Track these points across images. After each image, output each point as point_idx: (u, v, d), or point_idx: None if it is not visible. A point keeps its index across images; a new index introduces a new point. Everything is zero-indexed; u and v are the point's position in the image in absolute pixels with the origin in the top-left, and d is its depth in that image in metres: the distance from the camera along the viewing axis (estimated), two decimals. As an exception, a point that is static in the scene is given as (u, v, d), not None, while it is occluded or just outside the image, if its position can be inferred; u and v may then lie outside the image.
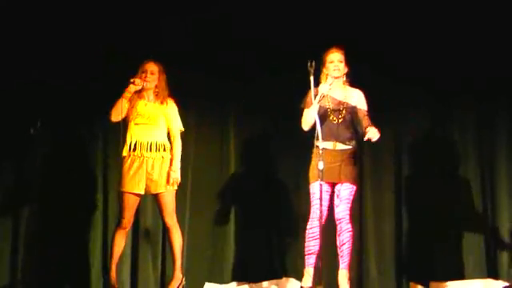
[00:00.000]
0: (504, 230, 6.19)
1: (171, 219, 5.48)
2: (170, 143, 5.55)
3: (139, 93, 5.49)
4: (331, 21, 6.21)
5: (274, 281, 6.28)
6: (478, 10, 6.12)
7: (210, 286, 6.23)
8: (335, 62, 5.35)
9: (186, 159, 5.94)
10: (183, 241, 5.66)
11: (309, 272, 5.26)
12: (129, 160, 5.43)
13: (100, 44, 6.19)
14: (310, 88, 5.08)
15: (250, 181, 6.40)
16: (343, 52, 5.39)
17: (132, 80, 5.41)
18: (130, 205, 5.42)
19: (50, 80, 6.11)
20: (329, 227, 5.31)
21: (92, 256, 6.14)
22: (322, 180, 4.98)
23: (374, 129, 5.23)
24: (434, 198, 6.21)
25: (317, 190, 5.14)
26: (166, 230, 5.61)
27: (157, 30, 6.25)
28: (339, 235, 5.27)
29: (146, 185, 5.43)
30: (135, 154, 5.41)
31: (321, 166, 4.96)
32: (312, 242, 5.25)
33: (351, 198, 5.31)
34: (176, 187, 5.53)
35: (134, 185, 5.40)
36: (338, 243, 5.28)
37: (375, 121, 6.22)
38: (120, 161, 5.50)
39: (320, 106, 5.24)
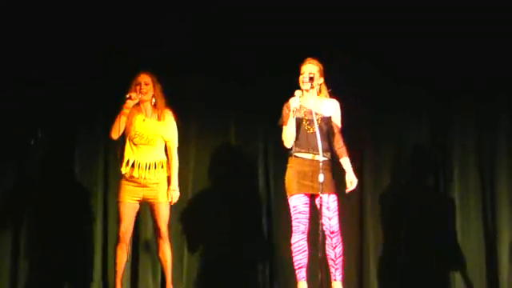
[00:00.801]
0: (505, 239, 6.17)
1: (165, 231, 5.47)
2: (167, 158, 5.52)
3: (137, 106, 5.46)
4: (331, 21, 6.20)
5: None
6: (479, 10, 6.11)
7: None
8: (305, 73, 5.29)
9: (186, 168, 6.01)
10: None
11: (302, 286, 5.25)
12: (125, 179, 5.42)
13: (100, 44, 6.19)
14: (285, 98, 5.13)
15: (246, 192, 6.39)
16: (318, 64, 5.35)
17: (128, 95, 5.37)
18: (128, 215, 5.39)
19: (49, 80, 6.13)
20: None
21: (92, 270, 6.15)
22: (322, 192, 4.96)
23: (352, 181, 5.27)
24: (433, 206, 6.21)
25: (297, 202, 5.22)
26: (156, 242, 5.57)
27: (156, 29, 6.24)
28: (334, 248, 5.24)
29: (143, 195, 5.43)
30: (133, 173, 5.40)
31: (321, 178, 4.93)
32: (300, 256, 5.23)
33: (337, 208, 5.28)
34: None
35: (131, 194, 5.40)
36: (331, 256, 5.24)
37: (376, 124, 6.30)
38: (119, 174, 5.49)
39: (296, 118, 5.24)
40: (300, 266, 5.24)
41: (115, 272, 5.43)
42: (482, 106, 6.27)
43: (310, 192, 5.25)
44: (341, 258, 5.25)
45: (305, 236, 5.23)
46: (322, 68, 5.37)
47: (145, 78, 5.46)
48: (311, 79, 5.25)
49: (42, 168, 6.21)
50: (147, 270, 6.21)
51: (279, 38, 6.16)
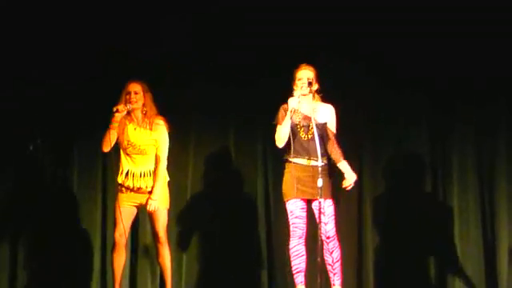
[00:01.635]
0: (504, 244, 6.15)
1: (163, 235, 5.47)
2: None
3: (128, 115, 5.44)
4: (330, 21, 6.20)
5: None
6: (481, 14, 6.10)
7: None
8: (303, 78, 5.29)
9: (184, 172, 6.08)
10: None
11: None
12: (122, 191, 5.43)
13: (100, 44, 6.20)
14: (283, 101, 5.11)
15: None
16: (313, 69, 5.35)
17: (115, 108, 5.34)
18: (124, 217, 5.38)
19: (49, 80, 6.13)
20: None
21: (91, 278, 6.16)
22: (321, 197, 4.96)
23: (351, 178, 5.27)
24: (431, 210, 6.20)
25: (294, 207, 5.24)
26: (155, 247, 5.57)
27: (156, 29, 6.24)
28: (331, 253, 5.24)
29: (141, 201, 5.43)
30: (128, 183, 5.40)
31: (320, 183, 4.93)
32: (297, 260, 5.24)
33: (334, 213, 5.29)
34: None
35: (128, 199, 5.41)
36: (329, 261, 5.24)
37: (375, 129, 6.28)
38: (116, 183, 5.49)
39: (292, 122, 5.24)
40: (298, 270, 5.25)
41: (113, 277, 5.43)
42: (482, 111, 6.23)
43: (307, 197, 5.26)
44: (338, 262, 5.26)
45: (302, 241, 5.25)
46: (316, 74, 5.36)
47: (135, 87, 5.42)
48: (310, 84, 5.25)
49: (41, 169, 6.20)
50: (146, 275, 6.21)
51: (279, 38, 6.15)
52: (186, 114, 6.26)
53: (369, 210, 6.25)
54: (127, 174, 5.40)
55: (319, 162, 5.01)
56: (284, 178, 5.33)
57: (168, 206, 5.50)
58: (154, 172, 5.43)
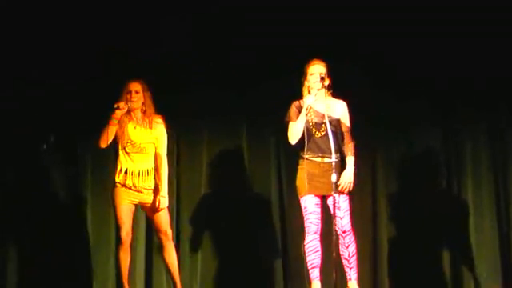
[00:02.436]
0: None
1: (166, 236, 5.48)
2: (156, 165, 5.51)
3: (127, 114, 5.46)
4: (333, 21, 6.22)
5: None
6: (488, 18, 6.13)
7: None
8: (316, 73, 5.29)
9: (198, 170, 6.16)
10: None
11: (316, 285, 5.28)
12: (120, 187, 5.43)
13: (100, 44, 6.19)
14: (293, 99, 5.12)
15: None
16: (325, 64, 5.36)
17: (116, 105, 5.36)
18: (125, 216, 5.39)
19: (49, 80, 6.12)
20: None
21: (105, 276, 6.16)
22: (335, 192, 5.01)
23: (346, 180, 5.28)
24: (446, 206, 6.25)
25: (308, 203, 5.25)
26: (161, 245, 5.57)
27: (156, 29, 6.24)
28: (347, 247, 5.27)
29: (140, 199, 5.44)
30: (127, 181, 5.41)
31: (334, 178, 4.99)
32: (312, 256, 5.26)
33: (349, 208, 5.32)
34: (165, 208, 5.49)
35: (127, 197, 5.41)
36: (345, 255, 5.28)
37: (388, 126, 6.30)
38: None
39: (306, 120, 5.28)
40: (313, 265, 5.26)
41: (121, 274, 5.43)
42: (493, 108, 6.29)
43: (321, 193, 5.28)
44: (354, 256, 5.28)
45: (317, 236, 5.25)
46: (328, 69, 5.36)
47: (135, 87, 5.47)
48: (322, 79, 5.25)
49: (41, 169, 6.21)
50: (161, 272, 6.17)
51: (279, 38, 6.16)
52: (199, 114, 6.29)
53: (383, 205, 6.30)
54: (126, 172, 5.41)
55: (333, 158, 5.04)
56: (298, 175, 5.34)
57: (168, 204, 5.52)
58: (156, 170, 5.45)
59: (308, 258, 5.28)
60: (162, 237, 5.49)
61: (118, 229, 5.51)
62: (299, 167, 5.34)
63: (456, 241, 6.25)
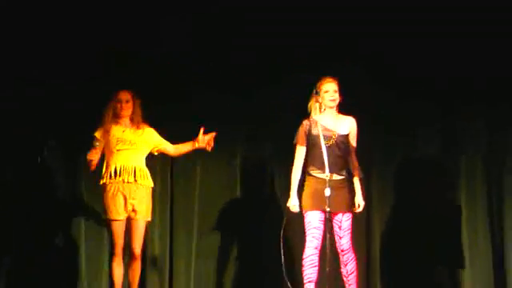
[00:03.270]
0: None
1: (139, 248, 5.50)
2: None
3: (116, 121, 5.53)
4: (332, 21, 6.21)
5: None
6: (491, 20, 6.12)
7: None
8: (331, 91, 5.38)
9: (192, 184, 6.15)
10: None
11: None
12: (111, 187, 5.43)
13: (100, 44, 6.19)
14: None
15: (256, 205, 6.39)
16: (337, 82, 5.42)
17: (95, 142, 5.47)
18: (118, 231, 5.41)
19: (49, 80, 6.13)
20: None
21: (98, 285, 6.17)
22: (329, 207, 5.07)
23: (360, 204, 5.38)
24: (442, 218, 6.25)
25: (312, 218, 5.27)
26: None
27: (156, 29, 6.24)
28: (346, 265, 5.33)
29: (127, 211, 5.44)
30: (117, 180, 5.41)
31: (327, 192, 5.06)
32: (310, 270, 5.27)
33: (351, 227, 5.38)
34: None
35: (117, 211, 5.41)
36: (344, 273, 5.35)
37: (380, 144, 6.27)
38: (100, 188, 5.49)
39: (312, 135, 5.32)
40: (309, 280, 5.29)
41: (114, 286, 5.46)
42: (492, 111, 6.28)
43: (325, 209, 5.27)
44: (353, 274, 5.35)
45: (317, 252, 5.30)
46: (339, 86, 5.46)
47: (125, 96, 5.55)
48: (335, 97, 5.38)
49: (41, 169, 6.20)
50: (155, 286, 6.21)
51: (280, 38, 6.16)
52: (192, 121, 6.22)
53: (377, 221, 6.30)
54: (120, 170, 5.41)
55: (334, 175, 5.13)
56: (304, 191, 5.38)
57: (149, 219, 5.56)
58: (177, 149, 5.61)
59: (305, 272, 5.30)
60: (136, 249, 5.48)
61: (111, 242, 5.51)
62: (305, 183, 5.38)
63: (449, 252, 6.23)
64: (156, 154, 5.69)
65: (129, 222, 5.46)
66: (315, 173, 5.32)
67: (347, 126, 5.42)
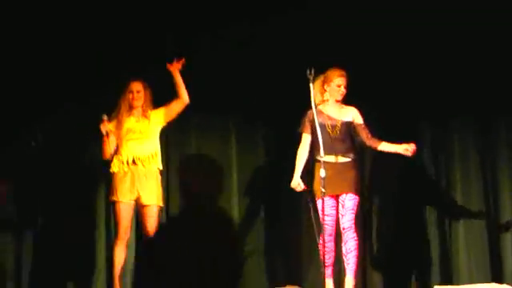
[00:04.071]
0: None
1: (151, 234, 5.58)
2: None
3: (129, 111, 5.67)
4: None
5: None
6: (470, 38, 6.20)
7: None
8: (342, 87, 5.56)
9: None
10: None
11: (328, 283, 5.42)
12: (119, 173, 5.57)
13: (100, 44, 6.20)
14: (309, 96, 5.16)
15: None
16: (347, 75, 5.58)
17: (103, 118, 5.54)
18: (122, 214, 5.52)
19: (49, 80, 6.12)
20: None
21: (96, 269, 6.15)
22: (323, 187, 5.06)
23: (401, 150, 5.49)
24: (437, 205, 6.35)
25: (325, 206, 5.29)
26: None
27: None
28: (345, 243, 5.44)
29: (137, 195, 5.54)
30: (129, 167, 5.54)
31: (322, 173, 5.07)
32: (327, 256, 5.37)
33: (355, 208, 5.49)
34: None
35: (126, 194, 5.52)
36: (343, 251, 5.46)
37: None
38: (110, 176, 5.61)
39: (320, 124, 5.35)
40: (327, 265, 5.38)
41: (113, 269, 5.56)
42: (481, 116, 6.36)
43: (336, 193, 5.46)
44: (352, 253, 5.44)
45: (331, 238, 5.46)
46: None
47: (137, 87, 5.69)
48: (344, 92, 5.55)
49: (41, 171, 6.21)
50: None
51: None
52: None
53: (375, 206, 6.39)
54: (133, 160, 5.55)
55: (321, 154, 5.13)
56: (315, 178, 5.50)
57: (161, 204, 5.65)
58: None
59: (322, 258, 5.28)
60: (149, 233, 5.57)
61: (115, 225, 5.60)
62: (315, 171, 5.48)
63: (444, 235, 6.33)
64: (173, 119, 5.76)
65: (141, 208, 5.55)
66: (323, 158, 5.28)
67: (350, 114, 5.58)
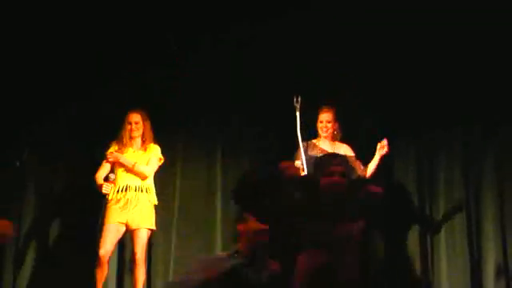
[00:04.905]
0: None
1: (141, 255, 5.65)
2: None
3: (130, 141, 5.76)
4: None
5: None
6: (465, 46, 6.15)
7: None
8: (324, 122, 5.74)
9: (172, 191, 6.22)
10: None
11: None
12: (114, 200, 5.66)
13: (100, 44, 6.21)
14: (296, 126, 5.36)
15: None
16: (333, 111, 5.72)
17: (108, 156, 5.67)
18: (105, 234, 5.58)
19: (49, 80, 6.13)
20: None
21: None
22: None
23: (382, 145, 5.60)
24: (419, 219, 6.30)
25: None
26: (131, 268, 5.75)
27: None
28: None
29: (127, 219, 5.62)
30: (122, 195, 5.64)
31: (298, 164, 5.32)
32: None
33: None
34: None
35: (116, 217, 5.62)
36: None
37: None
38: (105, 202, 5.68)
39: (310, 156, 5.51)
40: None
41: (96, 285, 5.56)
42: (468, 129, 6.28)
43: None
44: None
45: None
46: (334, 114, 5.73)
47: (135, 118, 5.79)
48: (328, 127, 5.72)
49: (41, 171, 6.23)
50: None
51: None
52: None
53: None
54: (125, 188, 5.66)
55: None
56: None
57: (152, 227, 5.72)
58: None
59: None
60: (138, 256, 5.63)
61: (98, 246, 5.60)
62: None
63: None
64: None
65: (132, 232, 5.65)
66: None
67: (342, 149, 5.67)
